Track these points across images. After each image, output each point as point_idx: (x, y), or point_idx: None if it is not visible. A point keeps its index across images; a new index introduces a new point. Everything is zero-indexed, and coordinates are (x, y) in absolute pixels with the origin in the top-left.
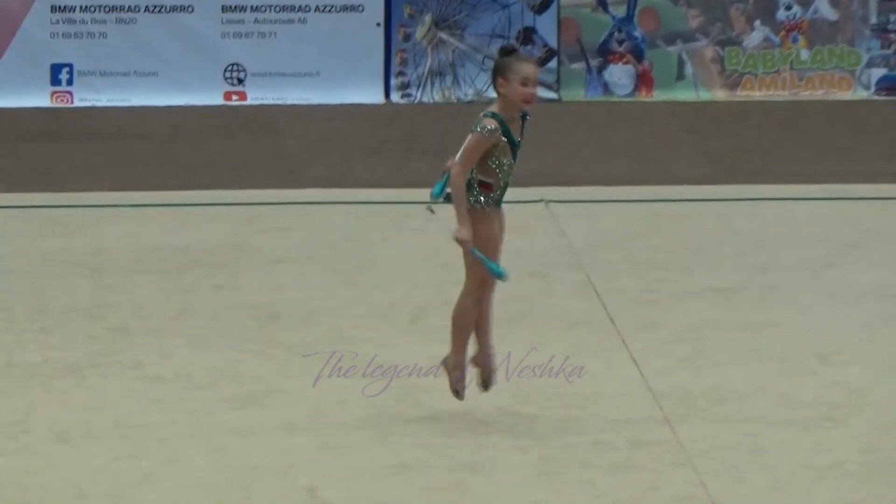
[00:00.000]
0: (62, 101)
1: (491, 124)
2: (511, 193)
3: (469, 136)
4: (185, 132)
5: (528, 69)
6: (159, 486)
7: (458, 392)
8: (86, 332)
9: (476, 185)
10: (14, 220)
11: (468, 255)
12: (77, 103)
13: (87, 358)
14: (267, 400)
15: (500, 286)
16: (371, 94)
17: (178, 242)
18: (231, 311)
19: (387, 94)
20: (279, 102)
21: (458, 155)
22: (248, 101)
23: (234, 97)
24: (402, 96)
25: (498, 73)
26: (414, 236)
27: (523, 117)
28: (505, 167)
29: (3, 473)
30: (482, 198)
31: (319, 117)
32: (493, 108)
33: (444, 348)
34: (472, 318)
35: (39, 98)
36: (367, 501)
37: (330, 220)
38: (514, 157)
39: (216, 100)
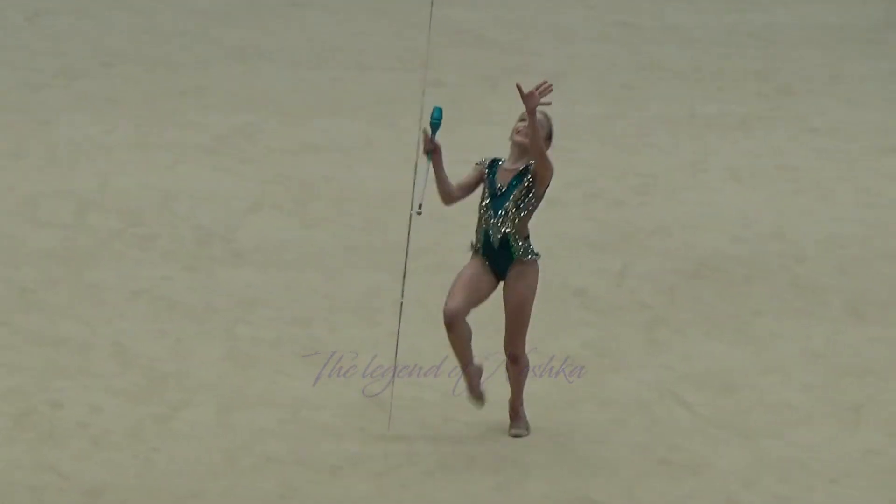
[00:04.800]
0: None
1: (483, 160)
2: None
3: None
4: None
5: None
6: (815, 217)
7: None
8: (756, 91)
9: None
10: None
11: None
12: None
13: (755, 111)
14: None
15: None
16: None
17: (836, 21)
18: (883, 77)
19: None
20: None
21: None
22: None
23: None
24: None
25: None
26: None
27: (524, 172)
28: (481, 209)
29: (696, 204)
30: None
31: None
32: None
33: None
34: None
35: None
36: None
37: None
38: (495, 205)
39: None
